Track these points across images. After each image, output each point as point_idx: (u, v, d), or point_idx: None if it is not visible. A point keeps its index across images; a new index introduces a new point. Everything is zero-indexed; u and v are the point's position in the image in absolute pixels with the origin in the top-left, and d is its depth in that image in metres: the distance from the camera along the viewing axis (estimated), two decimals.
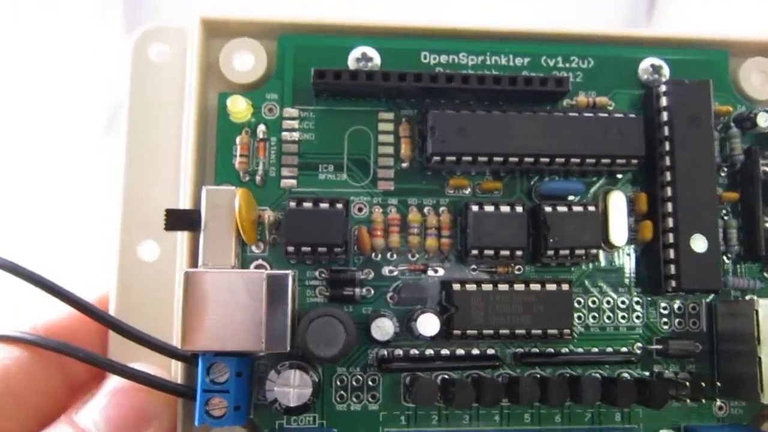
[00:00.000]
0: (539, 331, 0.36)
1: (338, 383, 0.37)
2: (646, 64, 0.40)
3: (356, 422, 0.37)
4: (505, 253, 0.36)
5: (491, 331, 0.36)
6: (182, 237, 0.37)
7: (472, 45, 0.40)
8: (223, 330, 0.33)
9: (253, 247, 0.37)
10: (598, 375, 0.38)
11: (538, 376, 0.37)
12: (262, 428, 0.36)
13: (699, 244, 0.37)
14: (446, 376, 0.37)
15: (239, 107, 0.37)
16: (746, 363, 0.36)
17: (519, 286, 0.36)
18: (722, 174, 0.40)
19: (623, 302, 0.39)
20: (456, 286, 0.36)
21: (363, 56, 0.39)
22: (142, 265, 0.38)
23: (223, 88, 0.39)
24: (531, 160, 0.37)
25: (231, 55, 0.39)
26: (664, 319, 0.39)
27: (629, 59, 0.40)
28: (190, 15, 0.38)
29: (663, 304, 0.39)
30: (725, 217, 0.39)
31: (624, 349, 0.38)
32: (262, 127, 0.38)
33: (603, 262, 0.39)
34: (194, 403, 0.33)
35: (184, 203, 0.37)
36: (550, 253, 0.37)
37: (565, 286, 0.37)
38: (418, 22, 0.39)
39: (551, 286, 0.36)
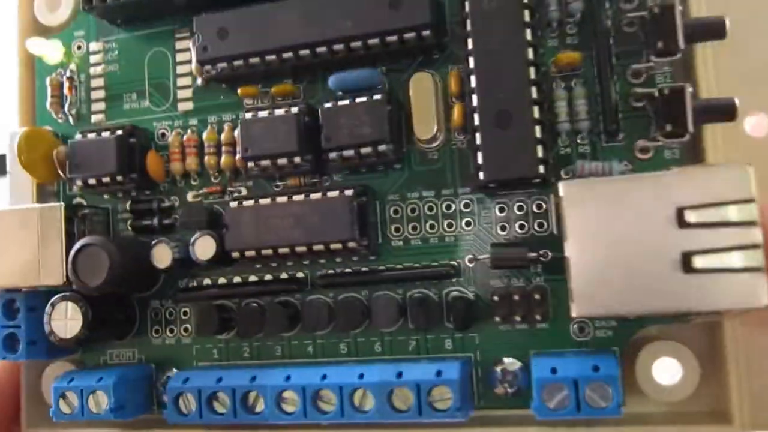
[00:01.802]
0: (321, 246, 0.31)
1: (153, 316, 0.36)
2: None
3: (171, 356, 0.35)
4: (283, 162, 0.32)
5: (269, 251, 0.32)
6: None
7: None
8: (7, 268, 0.34)
9: (75, 188, 0.37)
10: (420, 294, 0.32)
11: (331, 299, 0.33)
12: (87, 364, 0.37)
13: (504, 122, 0.29)
14: (255, 304, 0.34)
15: (41, 51, 0.37)
16: None
17: (298, 197, 0.32)
18: (570, 33, 0.31)
19: (448, 207, 0.32)
20: (233, 204, 0.33)
21: None
22: None
23: (41, 35, 0.39)
24: (307, 52, 0.32)
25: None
26: (502, 224, 0.32)
27: None
28: None
29: (499, 205, 0.32)
30: (567, 87, 0.31)
31: (436, 264, 0.32)
32: (71, 66, 0.38)
33: (418, 162, 0.33)
34: None
35: None
36: (333, 156, 0.32)
37: (348, 192, 0.31)
38: None
39: (333, 193, 0.31)
